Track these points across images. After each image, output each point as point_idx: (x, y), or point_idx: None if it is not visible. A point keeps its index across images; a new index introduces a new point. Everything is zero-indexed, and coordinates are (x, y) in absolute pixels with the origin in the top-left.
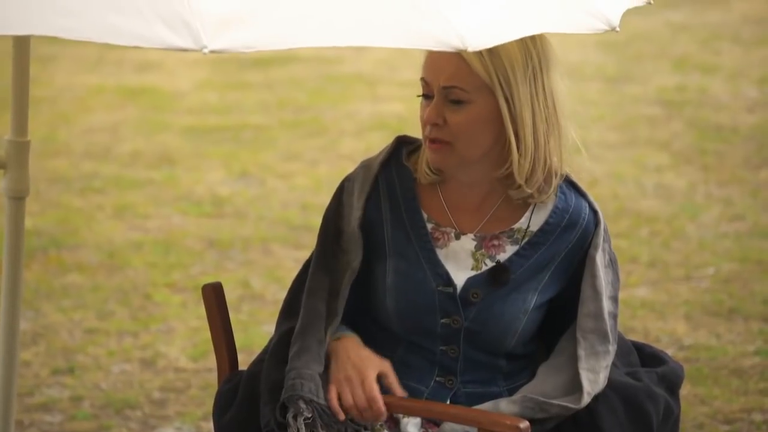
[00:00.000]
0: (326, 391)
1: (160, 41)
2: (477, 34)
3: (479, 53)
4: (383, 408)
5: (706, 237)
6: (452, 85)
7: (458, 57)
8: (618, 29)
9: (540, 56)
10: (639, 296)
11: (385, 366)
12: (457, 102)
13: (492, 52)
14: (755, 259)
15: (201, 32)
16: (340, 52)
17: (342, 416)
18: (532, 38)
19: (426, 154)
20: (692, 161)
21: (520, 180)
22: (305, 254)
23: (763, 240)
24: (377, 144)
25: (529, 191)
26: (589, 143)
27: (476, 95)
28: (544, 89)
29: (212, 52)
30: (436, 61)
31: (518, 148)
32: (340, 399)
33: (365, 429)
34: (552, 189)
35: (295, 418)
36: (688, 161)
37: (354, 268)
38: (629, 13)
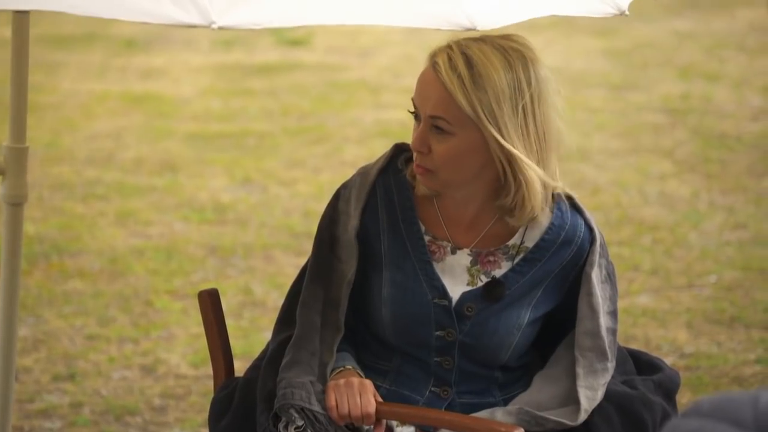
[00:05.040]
0: (326, 395)
1: (167, 17)
2: (487, 15)
3: (464, 86)
4: (372, 422)
5: (708, 245)
6: (436, 115)
7: (444, 89)
8: (627, 13)
9: (533, 93)
10: (640, 304)
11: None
12: (441, 132)
13: (478, 85)
14: (757, 268)
15: (209, 8)
16: (344, 60)
17: (341, 421)
18: (527, 76)
19: None
20: (695, 169)
21: (508, 207)
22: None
23: (766, 248)
24: (380, 151)
25: (520, 217)
26: (592, 151)
27: (459, 128)
28: (535, 123)
29: (221, 28)
30: (424, 87)
31: (509, 178)
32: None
33: None
34: (541, 210)
35: (286, 427)
36: (691, 169)
37: (350, 280)
38: (634, 21)
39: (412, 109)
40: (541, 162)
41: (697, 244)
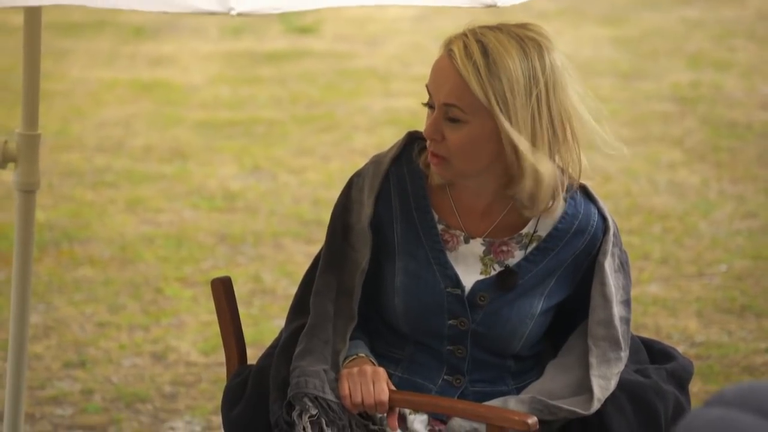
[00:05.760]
0: (339, 384)
1: (187, 6)
2: None
3: (479, 74)
4: (386, 410)
5: (718, 234)
6: (450, 103)
7: (458, 76)
8: None
9: (548, 81)
10: (651, 293)
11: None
12: (455, 120)
13: (492, 73)
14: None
15: None
16: (353, 48)
17: (354, 410)
18: (542, 64)
19: None
20: (705, 158)
21: (520, 197)
22: (316, 249)
23: None
24: (390, 139)
25: (530, 207)
26: (605, 141)
27: (473, 116)
28: (549, 112)
29: (240, 14)
30: (439, 74)
31: (517, 168)
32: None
33: (373, 424)
34: (559, 198)
35: (300, 416)
36: (701, 158)
37: (363, 268)
38: (643, 9)
39: (426, 98)
40: (556, 152)
41: (708, 232)
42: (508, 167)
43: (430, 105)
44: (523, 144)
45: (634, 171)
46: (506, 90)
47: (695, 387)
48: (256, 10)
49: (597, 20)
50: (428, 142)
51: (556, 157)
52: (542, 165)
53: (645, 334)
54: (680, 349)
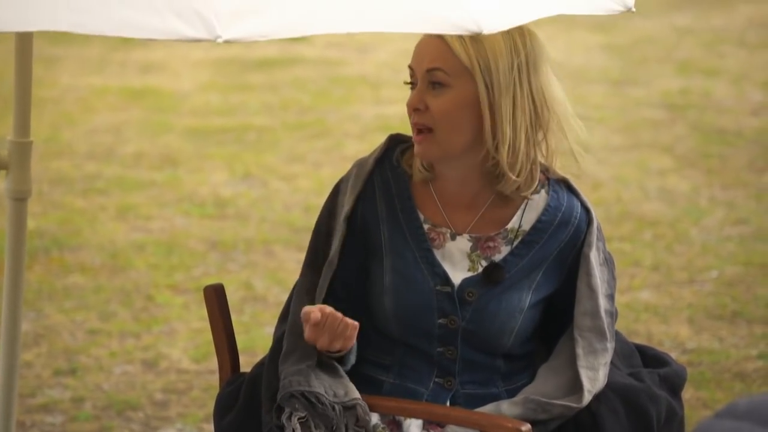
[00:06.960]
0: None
1: (173, 33)
2: (492, 17)
3: (461, 38)
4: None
5: (709, 240)
6: (434, 67)
7: (441, 40)
8: (633, 10)
9: (528, 54)
10: (642, 300)
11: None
12: (439, 85)
13: (475, 39)
14: (759, 263)
15: (214, 22)
16: (343, 55)
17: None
18: (522, 36)
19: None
20: (696, 165)
21: (502, 168)
22: None
23: (767, 244)
24: None
25: (513, 179)
26: (592, 146)
27: (457, 79)
28: (529, 84)
29: (226, 41)
30: (422, 47)
31: (495, 135)
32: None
33: None
34: (535, 182)
35: (289, 418)
36: (691, 165)
37: (331, 260)
38: (634, 16)
39: (409, 80)
40: (536, 127)
41: (698, 239)
42: (486, 141)
43: (412, 84)
44: (505, 108)
45: (624, 178)
46: (488, 54)
47: (687, 394)
48: (243, 37)
49: (588, 27)
50: (412, 116)
51: (535, 134)
52: (520, 134)
53: (636, 341)
54: (672, 355)
